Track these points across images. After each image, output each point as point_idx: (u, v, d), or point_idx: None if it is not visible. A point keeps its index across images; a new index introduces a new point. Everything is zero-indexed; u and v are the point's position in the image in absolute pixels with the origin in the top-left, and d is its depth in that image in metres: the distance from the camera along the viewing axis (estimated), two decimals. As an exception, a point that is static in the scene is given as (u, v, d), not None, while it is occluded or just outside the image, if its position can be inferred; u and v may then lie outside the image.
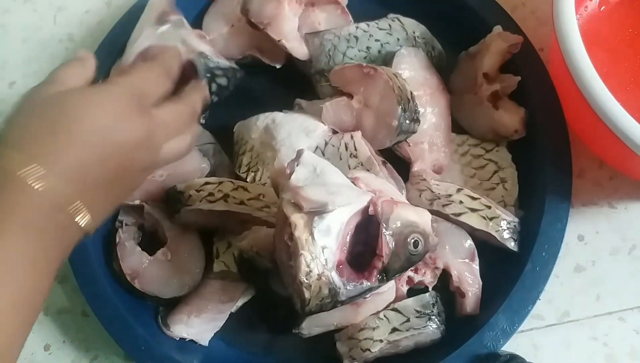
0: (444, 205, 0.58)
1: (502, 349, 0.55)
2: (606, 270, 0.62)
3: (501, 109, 0.62)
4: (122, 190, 0.49)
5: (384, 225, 0.46)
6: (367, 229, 0.47)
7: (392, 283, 0.56)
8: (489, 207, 0.58)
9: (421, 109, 0.60)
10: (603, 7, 0.64)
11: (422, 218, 0.48)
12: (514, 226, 0.59)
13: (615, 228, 0.63)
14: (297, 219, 0.44)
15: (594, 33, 0.62)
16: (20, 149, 0.42)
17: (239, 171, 0.62)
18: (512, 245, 0.58)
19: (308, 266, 0.43)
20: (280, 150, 0.59)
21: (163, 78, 0.52)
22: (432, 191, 0.59)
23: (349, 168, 0.57)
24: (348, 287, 0.45)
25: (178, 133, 0.51)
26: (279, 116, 0.62)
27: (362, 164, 0.57)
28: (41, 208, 0.41)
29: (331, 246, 0.45)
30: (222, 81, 0.63)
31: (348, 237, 0.46)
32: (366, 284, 0.46)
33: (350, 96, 0.60)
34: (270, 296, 0.57)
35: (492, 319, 0.56)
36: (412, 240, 0.47)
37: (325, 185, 0.47)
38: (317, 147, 0.59)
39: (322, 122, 0.60)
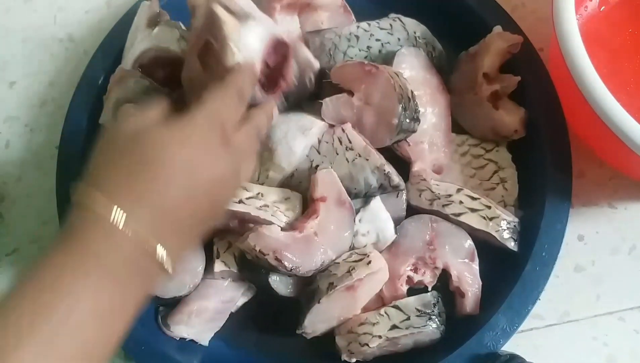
0: (444, 205, 0.59)
1: (502, 349, 0.56)
2: (606, 270, 0.62)
3: (501, 109, 0.62)
4: (204, 227, 0.45)
5: (293, 55, 0.55)
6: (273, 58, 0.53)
7: (383, 262, 0.56)
8: (489, 207, 0.58)
9: (421, 109, 0.60)
10: (603, 7, 0.64)
11: (316, 59, 0.57)
12: (514, 226, 0.59)
13: (615, 228, 0.63)
14: (227, 18, 0.49)
15: (594, 33, 0.62)
16: (104, 191, 0.39)
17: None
18: (512, 245, 0.58)
19: (234, 55, 0.49)
20: (277, 149, 0.59)
21: (238, 101, 0.48)
22: (432, 191, 0.59)
23: (347, 161, 0.57)
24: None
25: (251, 156, 0.48)
26: None
27: (359, 156, 0.57)
28: (125, 252, 0.39)
29: (254, 58, 0.51)
30: None
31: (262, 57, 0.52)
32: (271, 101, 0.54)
33: (350, 93, 0.60)
34: (271, 296, 0.57)
35: (492, 319, 0.56)
36: (308, 77, 0.57)
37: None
38: (312, 146, 0.59)
39: (319, 119, 0.60)
